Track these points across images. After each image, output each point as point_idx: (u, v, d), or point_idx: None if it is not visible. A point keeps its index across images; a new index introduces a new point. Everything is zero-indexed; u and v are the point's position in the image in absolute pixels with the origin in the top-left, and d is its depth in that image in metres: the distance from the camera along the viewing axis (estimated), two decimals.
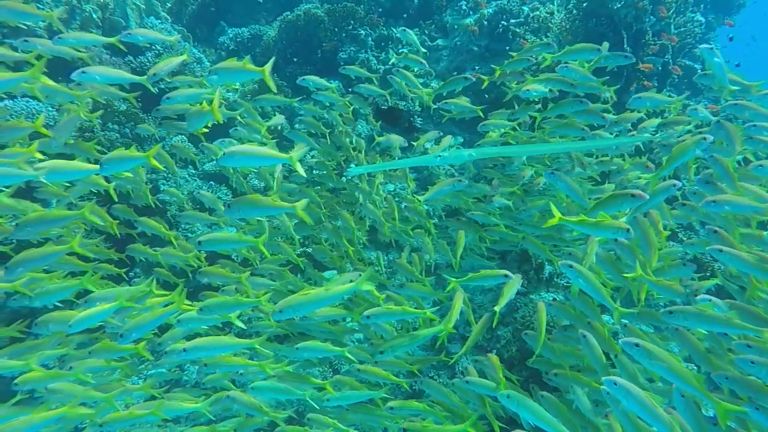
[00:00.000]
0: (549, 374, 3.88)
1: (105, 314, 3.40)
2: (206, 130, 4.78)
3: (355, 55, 8.63)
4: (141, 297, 3.91)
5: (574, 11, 7.30)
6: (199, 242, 3.79)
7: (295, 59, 8.82)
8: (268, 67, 3.81)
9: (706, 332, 3.36)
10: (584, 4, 7.11)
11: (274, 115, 5.94)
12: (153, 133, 5.83)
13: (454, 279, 3.82)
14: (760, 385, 2.77)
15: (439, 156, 3.73)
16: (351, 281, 3.27)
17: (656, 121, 4.93)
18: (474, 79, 5.27)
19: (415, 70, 6.16)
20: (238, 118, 5.40)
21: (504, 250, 6.61)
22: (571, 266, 3.38)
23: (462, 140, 6.19)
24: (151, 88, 4.14)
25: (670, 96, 5.77)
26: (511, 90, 4.93)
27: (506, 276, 3.64)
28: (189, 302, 3.68)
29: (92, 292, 3.82)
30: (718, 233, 3.30)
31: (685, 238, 6.69)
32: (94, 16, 6.59)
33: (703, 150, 3.56)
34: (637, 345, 2.76)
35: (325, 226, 5.13)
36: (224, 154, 3.43)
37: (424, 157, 3.85)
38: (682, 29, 7.93)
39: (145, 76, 4.11)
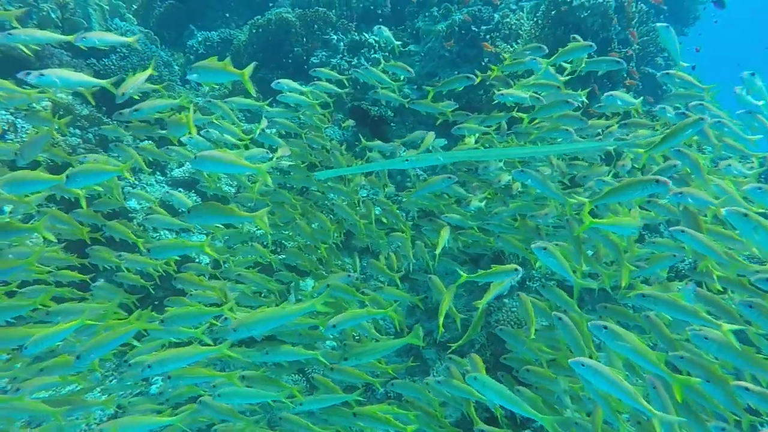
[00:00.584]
0: (521, 371, 3.95)
1: (64, 334, 3.23)
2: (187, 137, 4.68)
3: (327, 60, 8.59)
4: (103, 316, 3.75)
5: (540, 21, 7.47)
6: (148, 250, 3.67)
7: (265, 64, 8.71)
8: (248, 70, 3.86)
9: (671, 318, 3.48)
10: (552, 12, 7.27)
11: (261, 118, 5.84)
12: (119, 137, 5.61)
13: (465, 274, 3.80)
14: (709, 365, 3.01)
15: (407, 160, 3.70)
16: (328, 286, 3.20)
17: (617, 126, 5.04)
18: (476, 79, 5.30)
19: (402, 78, 6.16)
20: (214, 121, 5.32)
21: (477, 254, 6.66)
22: (545, 248, 3.45)
23: (446, 142, 6.24)
24: (117, 95, 3.99)
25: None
26: (497, 92, 4.99)
27: (516, 270, 3.58)
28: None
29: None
30: (688, 212, 3.37)
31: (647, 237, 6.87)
32: (53, 15, 6.34)
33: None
34: (605, 327, 2.87)
35: (299, 225, 5.06)
36: (196, 157, 3.46)
37: (392, 161, 3.83)
38: (645, 38, 8.21)
39: (108, 81, 4.00)
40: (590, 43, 4.65)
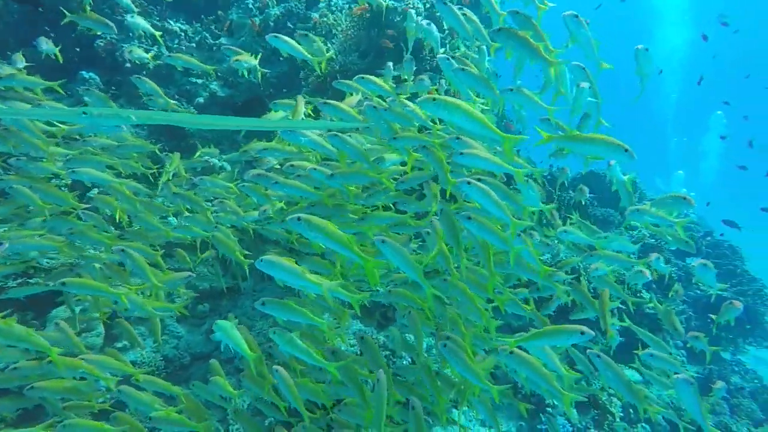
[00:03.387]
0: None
1: None
2: None
3: (118, 44, 7.30)
4: None
5: (355, 22, 7.29)
6: None
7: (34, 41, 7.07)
8: None
9: None
10: (367, 15, 7.14)
11: None
12: None
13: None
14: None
15: (85, 113, 2.67)
16: None
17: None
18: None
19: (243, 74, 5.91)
20: None
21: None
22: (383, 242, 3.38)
23: None
24: None
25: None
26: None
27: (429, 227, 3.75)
28: None
29: None
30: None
31: None
32: None
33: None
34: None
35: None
36: None
37: (62, 111, 2.91)
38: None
39: None
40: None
